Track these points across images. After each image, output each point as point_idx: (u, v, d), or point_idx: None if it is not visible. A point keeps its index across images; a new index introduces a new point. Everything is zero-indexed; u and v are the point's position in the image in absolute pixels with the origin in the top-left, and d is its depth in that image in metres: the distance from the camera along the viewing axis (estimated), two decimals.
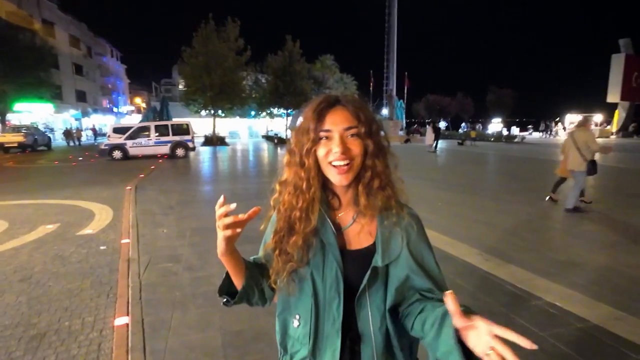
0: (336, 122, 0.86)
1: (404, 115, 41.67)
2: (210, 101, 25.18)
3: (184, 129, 16.97)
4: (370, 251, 0.90)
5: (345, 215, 0.94)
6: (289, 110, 31.40)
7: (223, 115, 27.85)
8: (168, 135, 16.54)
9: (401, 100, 40.80)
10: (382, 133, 0.93)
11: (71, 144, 28.00)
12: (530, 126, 45.58)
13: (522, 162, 14.99)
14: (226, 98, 25.21)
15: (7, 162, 15.64)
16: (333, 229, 0.90)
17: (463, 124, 42.45)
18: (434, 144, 19.35)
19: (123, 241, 4.75)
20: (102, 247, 4.60)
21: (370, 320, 0.89)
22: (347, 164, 0.85)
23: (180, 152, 16.57)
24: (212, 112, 26.50)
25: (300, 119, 0.93)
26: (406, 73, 39.71)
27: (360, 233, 0.92)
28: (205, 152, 20.31)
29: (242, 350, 2.47)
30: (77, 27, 40.92)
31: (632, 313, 2.87)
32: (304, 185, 0.89)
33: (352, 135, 0.86)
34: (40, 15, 33.78)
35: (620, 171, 11.94)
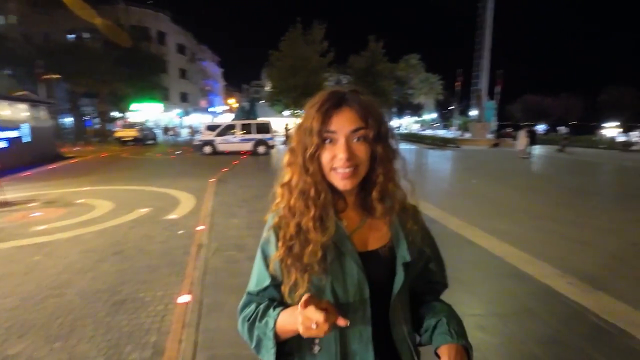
0: (342, 124, 0.79)
1: (494, 117, 38.40)
2: (293, 101, 26.33)
3: (265, 128, 18.00)
4: (388, 250, 0.86)
5: (353, 216, 0.89)
6: None
7: None
8: (251, 133, 17.71)
9: (492, 101, 37.65)
10: (390, 134, 0.86)
11: (172, 138, 31.72)
12: None
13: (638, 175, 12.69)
14: (308, 99, 26.10)
15: (123, 153, 18.37)
16: (346, 233, 0.84)
17: (560, 128, 37.47)
18: (528, 149, 17.47)
19: (198, 228, 5.24)
20: (181, 232, 5.13)
21: (403, 322, 0.87)
22: (352, 169, 0.80)
23: (261, 149, 17.62)
24: (295, 112, 27.69)
25: (303, 114, 0.86)
26: (502, 71, 36.33)
27: (372, 233, 0.88)
28: (284, 151, 21.31)
29: None
30: (184, 36, 46.12)
31: None
32: (313, 192, 0.82)
33: (359, 138, 0.80)
34: (156, 27, 38.94)
35: None
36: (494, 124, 33.53)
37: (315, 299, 0.71)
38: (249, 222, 5.57)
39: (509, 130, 37.44)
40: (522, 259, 4.11)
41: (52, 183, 9.24)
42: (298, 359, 0.86)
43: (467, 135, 32.97)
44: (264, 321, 0.83)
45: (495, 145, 23.62)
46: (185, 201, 7.06)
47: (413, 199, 0.93)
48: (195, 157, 16.40)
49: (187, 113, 45.77)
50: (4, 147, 11.86)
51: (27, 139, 13.33)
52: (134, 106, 32.22)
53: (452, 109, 48.70)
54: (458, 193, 8.73)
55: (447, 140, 26.61)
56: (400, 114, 51.07)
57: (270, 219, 0.90)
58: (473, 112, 36.90)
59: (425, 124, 59.00)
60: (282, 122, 29.63)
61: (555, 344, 2.57)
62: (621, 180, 11.65)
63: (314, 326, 0.68)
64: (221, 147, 17.48)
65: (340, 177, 0.80)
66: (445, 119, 60.48)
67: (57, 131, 21.45)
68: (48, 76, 24.34)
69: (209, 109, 55.16)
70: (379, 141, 0.82)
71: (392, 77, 33.24)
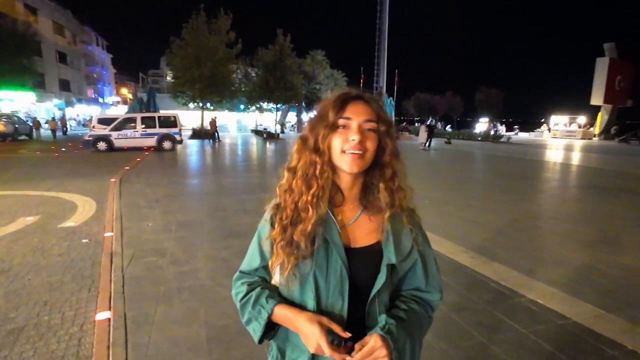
0: (357, 113, 0.86)
1: (393, 113, 41.92)
2: (199, 93, 24.84)
3: (171, 122, 16.71)
4: (377, 248, 0.88)
5: (348, 211, 0.92)
6: (279, 105, 31.20)
7: (212, 108, 27.53)
8: (155, 127, 16.26)
9: (391, 98, 40.98)
10: (397, 137, 0.94)
11: (59, 133, 27.23)
12: (516, 126, 46.38)
13: (509, 162, 15.23)
14: (215, 91, 24.92)
15: None
16: (337, 227, 0.88)
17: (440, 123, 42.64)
18: (427, 143, 19.61)
19: (106, 234, 4.65)
20: (84, 240, 4.50)
21: (378, 319, 0.87)
22: (361, 153, 0.84)
23: (167, 144, 16.32)
24: (201, 104, 26.16)
25: (318, 108, 0.92)
26: (397, 70, 39.72)
27: (364, 230, 0.91)
28: (193, 146, 20.06)
29: (226, 345, 2.45)
30: (62, 14, 39.72)
31: (610, 311, 2.95)
32: (318, 170, 0.87)
33: (370, 129, 0.86)
34: (22, 0, 32.68)
35: (602, 172, 12.24)
36: (392, 119, 36.64)
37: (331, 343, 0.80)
38: (166, 224, 5.15)
39: (405, 124, 41.32)
40: (433, 239, 4.61)
41: None
42: (284, 335, 0.93)
43: None
44: (256, 309, 0.90)
45: (396, 139, 25.97)
46: (83, 205, 6.18)
47: (411, 203, 0.96)
48: (87, 155, 14.41)
49: (70, 104, 39.67)
50: None
51: None
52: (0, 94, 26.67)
53: None
54: None
55: None
56: (309, 108, 52.21)
57: (273, 201, 0.95)
58: None
59: None
60: (189, 116, 27.83)
61: (468, 310, 2.98)
62: (496, 166, 13.84)
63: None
64: (119, 143, 15.69)
65: (349, 159, 0.84)
66: None
67: None
68: None
69: (99, 100, 48.81)
70: (389, 137, 0.89)
71: (300, 71, 33.68)
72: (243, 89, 30.69)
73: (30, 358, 2.33)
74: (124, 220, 5.28)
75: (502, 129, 37.46)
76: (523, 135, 41.35)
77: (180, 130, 17.00)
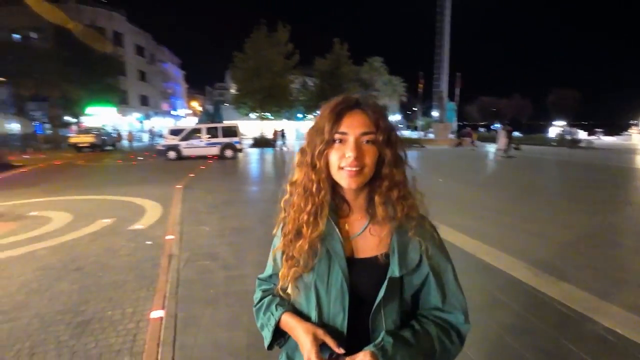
0: (353, 126, 0.82)
1: (455, 118, 40.06)
2: (259, 104, 26.03)
3: (232, 131, 17.66)
4: (382, 260, 0.85)
5: (356, 222, 0.90)
6: None
7: (271, 117, 28.66)
8: (218, 137, 17.30)
9: (453, 103, 39.24)
10: (400, 143, 0.88)
11: (134, 144, 30.29)
12: (598, 130, 41.64)
13: (586, 169, 13.67)
14: (274, 101, 25.93)
15: (78, 161, 17.31)
16: (340, 237, 0.87)
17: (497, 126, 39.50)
18: (507, 148, 17.73)
19: (167, 237, 5.01)
20: (148, 242, 4.89)
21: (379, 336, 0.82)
22: (358, 169, 0.81)
23: (228, 153, 17.26)
24: (261, 114, 27.38)
25: (315, 117, 0.90)
26: (459, 74, 37.94)
27: (371, 240, 0.88)
28: (253, 154, 20.99)
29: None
30: (143, 37, 44.32)
31: None
32: (314, 188, 0.86)
33: (368, 141, 0.82)
34: (111, 27, 37.10)
35: None
36: (454, 124, 34.97)
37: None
38: (221, 230, 5.41)
39: (467, 130, 39.19)
40: (490, 253, 4.27)
41: None
42: (294, 345, 0.90)
43: (430, 136, 34.15)
44: (267, 315, 0.93)
45: (459, 144, 24.47)
46: (151, 209, 6.75)
47: (422, 209, 0.92)
48: (159, 163, 15.78)
49: (148, 117, 43.95)
50: None
51: None
52: (89, 110, 30.44)
53: (416, 110, 50.25)
54: (425, 192, 8.97)
55: (411, 140, 27.43)
56: None
57: (281, 214, 0.96)
58: (435, 113, 38.31)
59: None
60: (250, 125, 29.28)
61: (527, 333, 2.69)
62: (571, 174, 12.48)
63: None
64: (186, 152, 16.95)
65: (346, 175, 0.82)
66: (409, 120, 62.22)
67: (3, 138, 19.83)
68: None
69: (172, 112, 53.38)
70: (388, 147, 0.84)
71: (357, 79, 33.73)
72: (301, 99, 31.54)
73: (92, 349, 2.57)
74: (184, 225, 5.66)
75: (579, 133, 33.84)
76: (608, 140, 36.98)
77: (240, 139, 17.89)
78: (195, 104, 69.32)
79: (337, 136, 0.82)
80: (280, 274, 0.91)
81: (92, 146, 22.72)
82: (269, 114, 28.09)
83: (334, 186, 0.87)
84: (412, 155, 12.62)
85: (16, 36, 29.61)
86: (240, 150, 17.85)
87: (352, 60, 30.45)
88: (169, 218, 6.10)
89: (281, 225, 0.95)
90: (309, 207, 0.86)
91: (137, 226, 5.69)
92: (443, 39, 34.70)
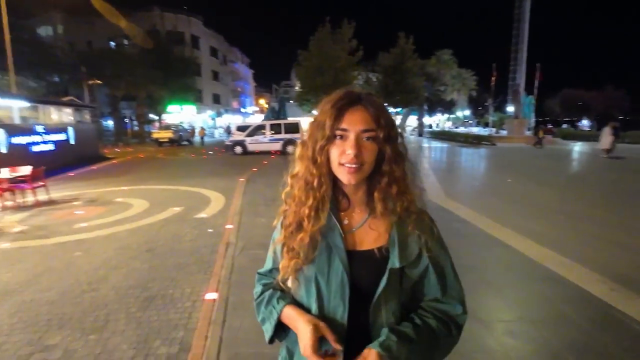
0: (354, 123, 0.82)
1: (533, 113, 36.63)
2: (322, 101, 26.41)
3: (294, 128, 18.14)
4: (382, 252, 0.86)
5: (356, 216, 0.92)
6: (399, 109, 30.76)
7: None
8: (280, 133, 17.92)
9: (531, 97, 35.89)
10: (400, 139, 0.88)
11: (205, 140, 32.66)
12: None
13: None
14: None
15: (159, 154, 19.15)
16: (341, 230, 0.88)
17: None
18: (612, 148, 14.85)
19: (227, 226, 5.36)
20: (209, 230, 5.27)
21: (381, 332, 0.83)
22: (358, 166, 0.82)
23: (290, 149, 17.77)
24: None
25: (316, 111, 0.91)
26: (538, 64, 34.52)
27: (371, 233, 0.89)
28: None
29: None
30: (216, 39, 47.36)
31: None
32: (315, 182, 0.87)
33: (369, 138, 0.82)
34: (190, 31, 40.25)
35: None
36: (532, 120, 31.98)
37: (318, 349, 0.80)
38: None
39: (549, 126, 35.49)
40: (559, 261, 3.88)
41: (93, 183, 9.79)
42: (295, 336, 0.90)
43: (503, 133, 31.67)
44: (268, 309, 0.93)
45: (538, 143, 21.77)
46: (216, 200, 7.25)
47: (421, 204, 0.91)
48: (226, 157, 16.82)
49: (219, 114, 47.01)
50: (52, 149, 12.70)
51: (72, 141, 14.20)
52: (169, 108, 33.50)
53: (487, 105, 46.96)
54: (491, 192, 8.39)
55: (481, 137, 25.63)
56: (431, 111, 49.89)
57: (282, 207, 0.97)
58: (510, 108, 35.41)
59: (458, 121, 57.26)
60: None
61: (592, 353, 2.42)
62: None
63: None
64: (251, 147, 17.82)
65: (346, 172, 0.83)
66: (479, 116, 58.41)
67: (99, 133, 22.71)
68: (91, 81, 25.81)
69: (241, 110, 56.38)
70: (388, 143, 0.84)
71: (423, 73, 32.49)
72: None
73: (154, 322, 2.86)
74: (243, 215, 5.99)
75: None
76: None
77: (302, 135, 18.34)
78: (262, 102, 72.45)
79: (338, 132, 0.83)
80: (280, 266, 0.92)
81: (171, 141, 24.96)
82: None
83: (335, 180, 0.88)
84: (479, 154, 11.96)
85: (111, 44, 33.52)
86: None
87: (418, 54, 29.44)
88: (230, 209, 6.50)
89: (282, 217, 0.97)
90: (310, 201, 0.87)
91: (202, 215, 6.15)
92: (521, 26, 31.87)
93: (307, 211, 0.87)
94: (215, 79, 46.57)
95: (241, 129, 18.83)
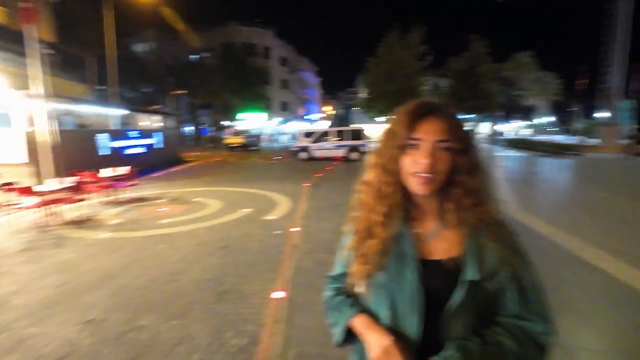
0: (428, 132, 0.83)
1: (631, 120, 32.15)
2: (388, 107, 26.10)
3: (358, 134, 18.18)
4: (455, 263, 0.85)
5: (427, 225, 0.92)
6: (471, 115, 29.19)
7: None
8: (344, 139, 18.07)
9: (631, 101, 31.59)
10: (476, 150, 0.88)
11: (272, 145, 34.21)
12: None
13: None
14: (403, 104, 25.60)
15: (230, 158, 20.47)
16: (412, 238, 0.89)
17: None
18: None
19: (293, 229, 5.56)
20: (277, 232, 5.51)
21: (445, 346, 0.82)
22: (431, 177, 0.82)
23: (354, 155, 17.83)
24: (389, 118, 27.43)
25: (390, 121, 0.93)
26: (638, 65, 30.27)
27: (443, 244, 0.88)
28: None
29: None
30: (286, 49, 49.43)
31: None
32: (387, 190, 0.89)
33: (443, 148, 0.82)
34: (262, 43, 42.60)
35: None
36: (630, 127, 28.10)
37: (401, 352, 0.81)
38: (340, 226, 5.68)
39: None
40: None
41: (175, 183, 10.80)
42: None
43: (593, 141, 28.31)
44: (338, 314, 0.96)
45: (635, 153, 18.89)
46: (282, 203, 7.55)
47: (499, 216, 0.89)
48: (292, 163, 17.40)
49: (286, 121, 48.87)
50: (143, 152, 14.29)
51: (159, 145, 15.84)
52: (241, 115, 35.72)
53: (572, 110, 42.45)
54: (578, 208, 7.57)
55: (565, 146, 23.14)
56: (507, 117, 46.49)
57: (353, 213, 1.00)
58: (601, 114, 31.56)
59: (537, 128, 52.55)
60: (377, 128, 29.64)
61: None
62: None
63: None
64: (316, 153, 18.22)
65: (417, 182, 0.83)
66: (563, 123, 52.96)
67: (180, 138, 25.02)
68: (176, 91, 28.57)
69: (306, 117, 57.91)
70: (463, 154, 0.84)
71: (498, 78, 30.48)
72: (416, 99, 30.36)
73: (228, 315, 3.08)
74: (308, 219, 6.17)
75: None
76: None
77: (366, 142, 18.29)
78: (328, 108, 73.70)
79: (411, 142, 0.84)
80: (351, 271, 0.94)
81: (241, 146, 26.54)
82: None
83: (406, 189, 0.88)
84: (562, 164, 10.85)
85: (193, 57, 36.79)
86: (364, 153, 18.25)
87: (493, 57, 27.75)
88: (296, 212, 6.73)
89: (352, 224, 0.99)
90: (381, 208, 0.89)
91: (270, 217, 6.45)
92: (617, 24, 28.34)
93: (377, 218, 0.89)
94: (283, 88, 48.53)
95: (307, 135, 19.36)
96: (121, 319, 3.04)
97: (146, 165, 13.02)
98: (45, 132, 8.43)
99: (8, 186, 6.25)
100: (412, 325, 0.84)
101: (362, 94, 33.72)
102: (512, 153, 22.30)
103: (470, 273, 0.82)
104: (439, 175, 0.83)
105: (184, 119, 36.12)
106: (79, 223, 6.13)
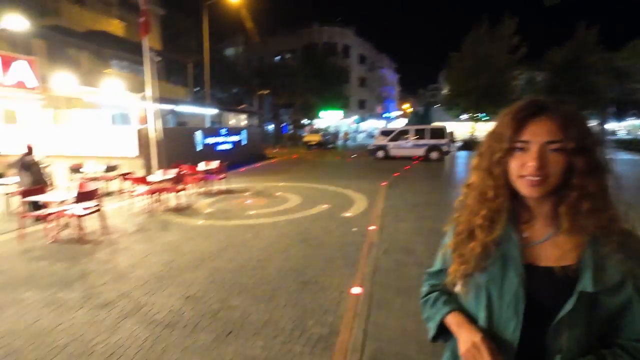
0: (537, 134, 0.79)
1: None
2: (473, 104, 24.47)
3: (439, 133, 17.37)
4: (569, 272, 0.80)
5: (539, 229, 0.88)
6: None
7: (487, 118, 26.45)
8: (424, 138, 17.42)
9: None
10: (599, 150, 0.81)
11: (345, 142, 34.49)
12: None
13: None
14: (491, 101, 23.75)
15: (308, 156, 21.14)
16: (518, 242, 0.86)
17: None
18: None
19: (370, 228, 5.59)
20: (354, 229, 5.59)
21: (567, 355, 0.79)
22: (541, 179, 0.79)
23: (434, 155, 17.11)
24: (473, 115, 25.69)
25: (495, 122, 0.90)
26: None
27: (554, 251, 0.84)
28: (461, 157, 20.03)
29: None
30: (366, 47, 49.24)
31: None
32: (490, 194, 0.87)
33: (555, 149, 0.78)
34: (342, 41, 43.06)
35: None
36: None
37: (490, 349, 0.81)
38: (418, 228, 5.56)
39: None
40: None
41: (258, 178, 11.55)
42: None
43: None
44: (433, 310, 1.00)
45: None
46: (359, 201, 7.61)
47: (627, 224, 0.81)
48: (369, 161, 17.35)
49: (363, 119, 48.77)
50: (230, 148, 15.54)
51: (244, 142, 17.06)
52: (319, 114, 36.66)
53: None
54: None
55: None
56: (619, 115, 40.24)
57: (455, 214, 1.01)
58: None
59: None
60: (459, 127, 28.03)
61: None
62: None
63: None
64: (393, 152, 17.90)
65: (526, 184, 0.81)
66: None
67: (263, 136, 26.57)
68: (261, 92, 30.44)
69: (384, 115, 57.10)
70: (581, 154, 0.78)
71: (610, 69, 26.53)
72: (525, 97, 27.64)
73: (308, 304, 3.25)
74: (385, 218, 6.14)
75: None
76: None
77: (448, 141, 17.40)
78: (406, 106, 71.71)
79: (518, 144, 0.81)
80: (450, 269, 0.95)
81: (318, 144, 27.22)
82: (483, 115, 26.01)
83: (516, 192, 0.85)
84: None
85: (277, 58, 38.74)
86: (446, 152, 17.40)
87: (604, 46, 24.22)
88: (373, 211, 6.73)
89: (454, 224, 0.99)
90: (484, 211, 0.88)
91: (347, 214, 6.56)
92: None
93: (479, 221, 0.89)
94: (361, 86, 48.45)
95: (384, 133, 19.11)
96: (215, 297, 3.40)
97: (233, 161, 14.12)
98: (153, 130, 9.67)
99: (127, 176, 7.34)
100: (510, 330, 0.82)
101: (444, 90, 32.12)
102: (625, 156, 19.27)
103: (587, 284, 0.77)
104: (551, 178, 0.79)
105: (267, 118, 38.28)
106: (180, 210, 6.94)
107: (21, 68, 9.90)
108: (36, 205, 5.69)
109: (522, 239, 0.87)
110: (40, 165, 6.29)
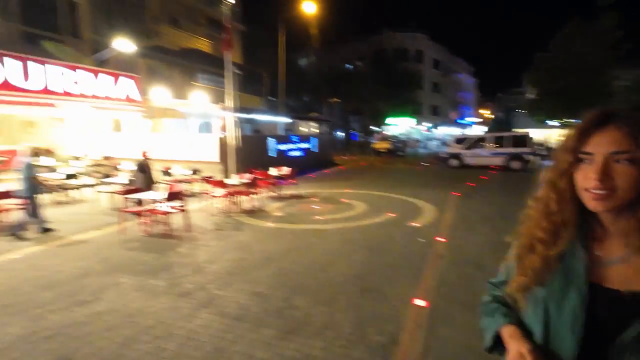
0: (601, 144, 0.76)
1: None
2: (562, 108, 22.08)
3: (522, 141, 15.97)
4: (636, 298, 0.74)
5: (612, 248, 0.82)
6: None
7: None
8: (504, 147, 16.16)
9: None
10: None
11: (419, 150, 33.39)
12: None
13: None
14: (584, 104, 21.20)
15: (377, 163, 20.95)
16: (585, 259, 0.82)
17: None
18: None
19: (438, 238, 5.37)
20: (421, 240, 5.42)
21: None
22: (607, 192, 0.75)
23: (515, 164, 15.76)
24: (566, 121, 23.15)
25: (565, 133, 0.88)
26: None
27: (628, 271, 0.78)
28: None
29: None
30: (440, 51, 47.41)
31: None
32: (553, 207, 0.85)
33: (622, 161, 0.74)
34: (414, 46, 42.06)
35: None
36: None
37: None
38: (490, 242, 5.20)
39: None
40: None
41: (326, 184, 11.78)
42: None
43: None
44: (490, 320, 0.99)
45: None
46: (428, 211, 7.36)
47: None
48: (441, 170, 16.62)
49: (436, 126, 46.87)
50: (301, 155, 16.10)
51: (314, 149, 17.54)
52: (389, 120, 36.13)
53: None
54: None
55: None
56: None
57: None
58: None
59: None
60: (546, 133, 25.53)
61: None
62: None
63: None
64: (469, 161, 16.90)
65: (590, 198, 0.78)
66: None
67: (332, 143, 27.02)
68: (331, 99, 31.08)
69: (459, 121, 54.24)
70: None
71: None
72: (632, 99, 24.15)
73: (369, 311, 3.26)
74: (455, 230, 5.85)
75: None
76: None
77: (533, 150, 15.92)
78: (484, 112, 67.20)
79: (582, 156, 0.78)
80: (510, 281, 0.94)
81: (388, 151, 26.81)
82: (575, 120, 23.34)
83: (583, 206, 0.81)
84: None
85: (347, 66, 39.16)
86: (528, 162, 15.93)
87: None
88: (442, 221, 6.46)
89: (515, 237, 0.97)
90: (546, 224, 0.85)
91: (414, 223, 6.39)
92: None
93: (540, 234, 0.87)
94: (435, 91, 46.71)
95: (459, 141, 18.16)
96: (280, 296, 3.57)
97: (303, 167, 14.60)
98: (232, 137, 10.46)
99: (208, 179, 8.06)
100: (567, 349, 0.79)
101: (529, 94, 29.49)
102: None
103: None
104: (618, 191, 0.74)
105: (337, 125, 38.83)
106: (252, 212, 7.39)
107: (128, 84, 11.50)
108: (137, 202, 6.55)
109: (592, 256, 0.82)
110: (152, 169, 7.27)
